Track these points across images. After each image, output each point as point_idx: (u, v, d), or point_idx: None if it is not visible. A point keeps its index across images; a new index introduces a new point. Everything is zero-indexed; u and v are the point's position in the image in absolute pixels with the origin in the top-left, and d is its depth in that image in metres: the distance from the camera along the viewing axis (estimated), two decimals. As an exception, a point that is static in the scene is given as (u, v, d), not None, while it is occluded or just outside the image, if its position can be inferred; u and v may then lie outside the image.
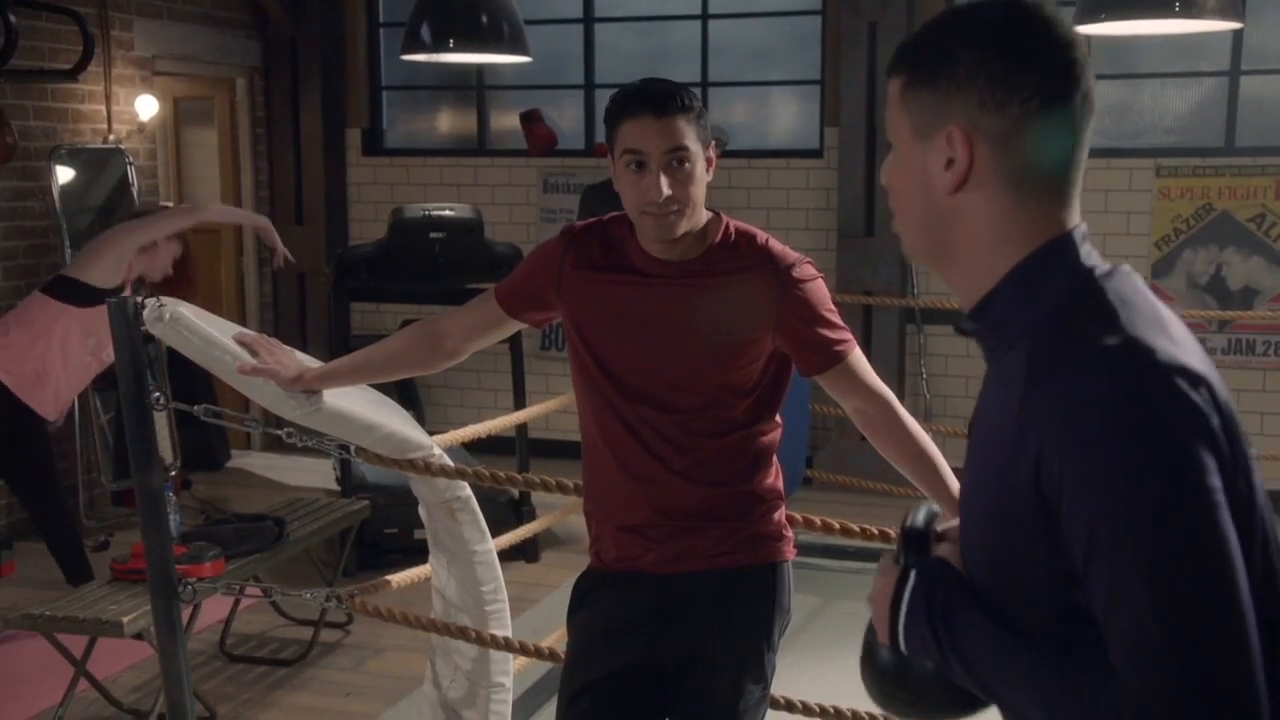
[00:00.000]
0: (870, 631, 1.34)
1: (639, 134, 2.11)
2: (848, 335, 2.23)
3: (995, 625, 1.20)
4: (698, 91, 6.89)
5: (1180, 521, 1.07)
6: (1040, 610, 1.17)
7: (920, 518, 1.31)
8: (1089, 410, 1.09)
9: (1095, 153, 5.14)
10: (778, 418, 2.30)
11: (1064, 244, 1.22)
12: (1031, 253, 1.22)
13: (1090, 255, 1.22)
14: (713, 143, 2.20)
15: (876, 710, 2.60)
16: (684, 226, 2.15)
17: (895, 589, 1.27)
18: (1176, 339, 1.16)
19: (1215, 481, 1.08)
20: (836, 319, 2.22)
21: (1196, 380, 1.11)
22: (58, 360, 4.58)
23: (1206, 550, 1.07)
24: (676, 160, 2.11)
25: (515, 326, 2.41)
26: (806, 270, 2.21)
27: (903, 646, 1.26)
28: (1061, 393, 1.12)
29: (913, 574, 1.26)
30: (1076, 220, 1.24)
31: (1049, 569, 1.14)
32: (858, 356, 2.23)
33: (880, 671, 1.31)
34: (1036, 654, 1.16)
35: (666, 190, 2.10)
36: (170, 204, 5.23)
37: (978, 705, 1.29)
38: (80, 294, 4.56)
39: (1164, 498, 1.07)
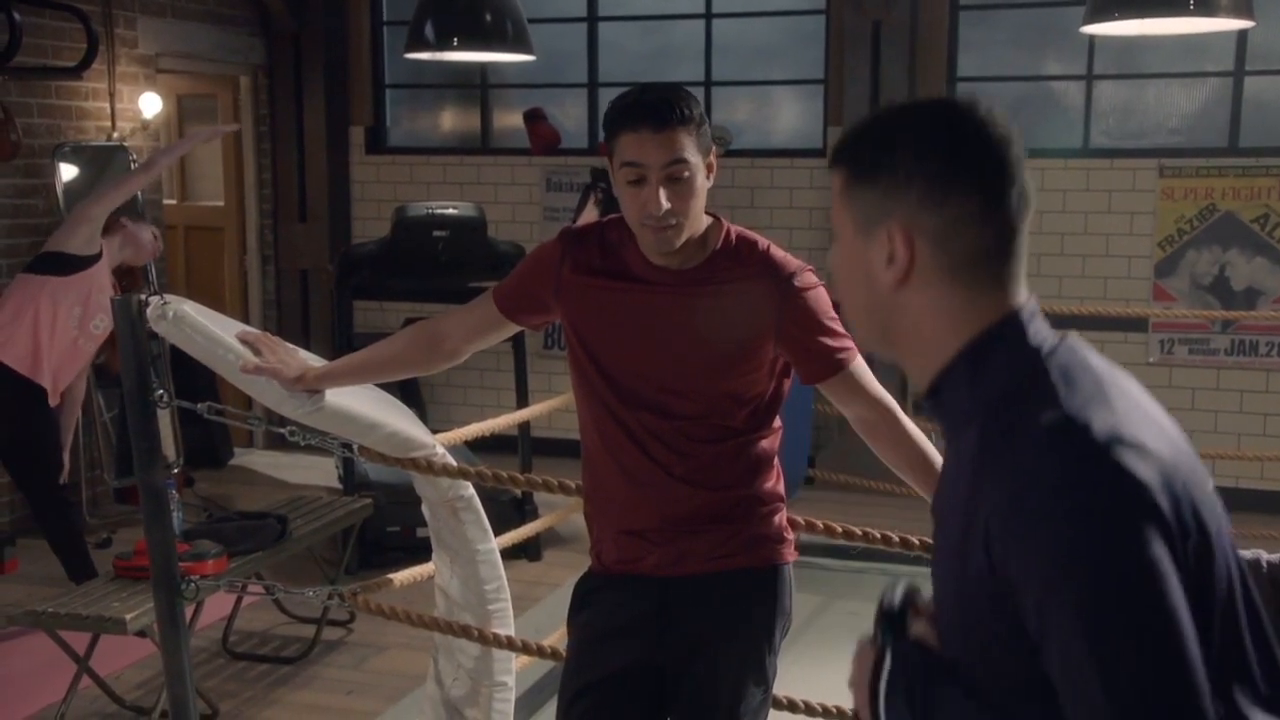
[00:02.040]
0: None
1: (638, 147, 2.09)
2: (849, 343, 2.22)
3: (970, 699, 1.21)
4: (700, 91, 6.96)
5: (1125, 598, 1.07)
6: (1011, 680, 1.18)
7: (897, 597, 1.32)
8: (1030, 492, 1.11)
9: (1099, 152, 5.17)
10: (777, 422, 2.29)
11: (1009, 325, 1.24)
12: (978, 335, 1.24)
13: (1038, 333, 1.24)
14: (713, 149, 2.18)
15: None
16: (683, 237, 2.14)
17: (873, 672, 1.28)
18: (1118, 409, 1.16)
19: (1158, 552, 1.08)
20: (838, 327, 2.20)
21: (1136, 450, 1.11)
22: (45, 334, 4.62)
23: (1153, 624, 1.07)
24: (676, 173, 2.09)
25: (515, 328, 2.40)
26: (808, 278, 2.20)
27: None
28: (1006, 475, 1.13)
29: (888, 657, 1.27)
30: (1023, 299, 1.26)
31: (1013, 643, 1.15)
32: (859, 364, 2.22)
33: None
34: None
35: (666, 204, 2.09)
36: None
37: None
38: (59, 264, 4.64)
39: (1107, 575, 1.07)
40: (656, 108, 2.09)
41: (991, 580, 1.14)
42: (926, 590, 1.33)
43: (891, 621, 1.30)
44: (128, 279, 5.41)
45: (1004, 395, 1.20)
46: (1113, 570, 1.07)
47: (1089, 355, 1.23)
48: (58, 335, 4.64)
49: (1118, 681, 1.06)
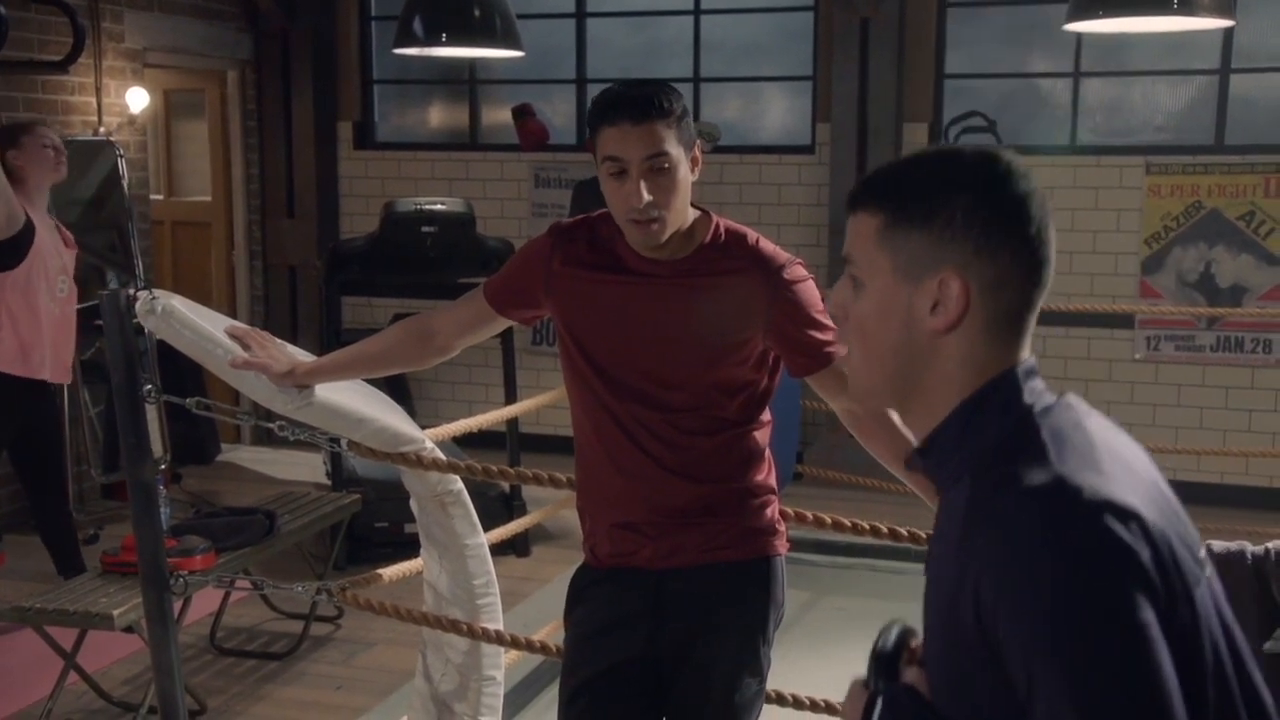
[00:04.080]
0: None
1: (618, 141, 2.10)
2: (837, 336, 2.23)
3: None
4: (689, 88, 6.97)
5: (1112, 662, 1.08)
6: None
7: (891, 640, 1.32)
8: (1019, 553, 1.11)
9: (1085, 150, 5.18)
10: (767, 415, 2.30)
11: (1006, 381, 1.25)
12: (976, 390, 1.25)
13: (1033, 391, 1.25)
14: (697, 142, 2.18)
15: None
16: (668, 232, 2.15)
17: (864, 714, 1.28)
18: (1108, 472, 1.16)
19: (1147, 617, 1.09)
20: (827, 320, 2.21)
21: (1125, 515, 1.12)
22: (28, 327, 4.49)
23: (1140, 688, 1.07)
24: (657, 166, 2.09)
25: (505, 323, 2.41)
26: (797, 271, 2.20)
27: None
28: (994, 535, 1.13)
29: (879, 702, 1.27)
30: (1024, 356, 1.27)
31: (1001, 699, 1.15)
32: None
33: None
34: None
35: (647, 196, 2.09)
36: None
37: None
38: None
39: (1094, 639, 1.08)
40: (636, 102, 2.09)
41: (981, 639, 1.14)
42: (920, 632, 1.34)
43: (884, 664, 1.30)
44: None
45: (994, 452, 1.21)
46: (1100, 635, 1.08)
47: (1083, 416, 1.24)
48: (42, 320, 4.54)
49: None
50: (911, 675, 1.29)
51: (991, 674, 1.15)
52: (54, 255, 4.58)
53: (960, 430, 1.25)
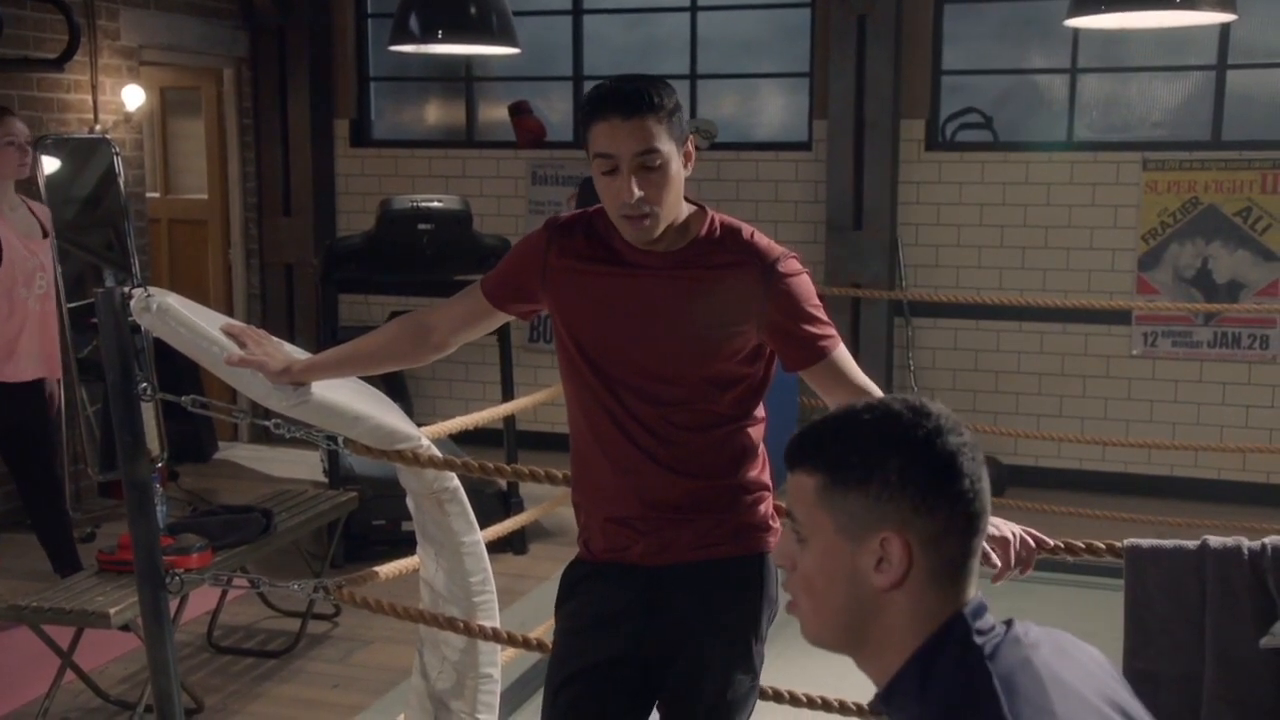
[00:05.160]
0: None
1: (609, 137, 2.09)
2: (832, 331, 2.22)
3: None
4: (686, 84, 6.96)
5: None
6: None
7: None
8: None
9: (1082, 146, 5.19)
10: (761, 411, 2.29)
11: (956, 626, 1.28)
12: (928, 638, 1.28)
13: (981, 629, 1.29)
14: (690, 137, 2.18)
15: (864, 701, 2.61)
16: (661, 227, 2.14)
17: None
18: (1059, 714, 1.21)
19: None
20: (822, 315, 2.21)
21: None
22: (15, 331, 4.46)
23: None
24: (648, 162, 2.08)
25: (503, 319, 2.41)
26: (792, 265, 2.20)
27: None
28: None
29: None
30: (970, 594, 1.31)
31: None
32: (842, 353, 2.22)
33: None
34: None
35: (638, 192, 2.09)
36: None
37: None
38: None
39: None
40: (626, 97, 2.08)
41: None
42: None
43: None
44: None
45: (950, 709, 1.24)
46: None
47: (1030, 650, 1.28)
48: (28, 323, 4.53)
49: None
50: None
51: None
52: (26, 257, 4.50)
53: (919, 683, 1.28)
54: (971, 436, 1.31)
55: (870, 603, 1.29)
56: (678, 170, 2.13)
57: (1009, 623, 1.32)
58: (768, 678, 2.43)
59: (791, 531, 1.35)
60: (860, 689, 2.90)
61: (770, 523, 2.30)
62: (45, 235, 4.59)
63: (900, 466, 1.27)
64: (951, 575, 1.29)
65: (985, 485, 1.30)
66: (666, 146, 2.10)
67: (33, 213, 4.60)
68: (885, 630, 1.30)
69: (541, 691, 2.42)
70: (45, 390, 4.74)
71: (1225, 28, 5.95)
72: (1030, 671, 1.25)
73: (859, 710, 2.61)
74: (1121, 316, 6.31)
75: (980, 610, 1.31)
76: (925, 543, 1.27)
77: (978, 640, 1.28)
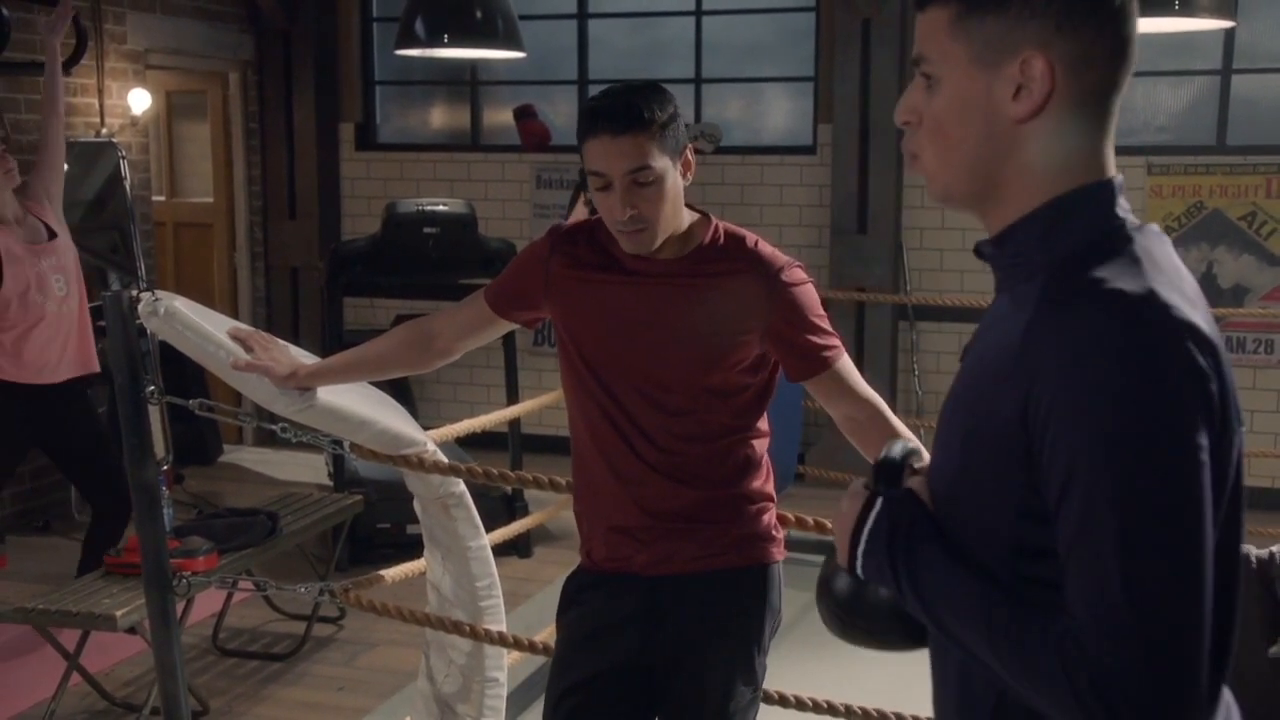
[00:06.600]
0: (829, 558, 1.35)
1: (600, 154, 2.08)
2: (836, 341, 2.21)
3: (953, 559, 1.21)
4: (690, 89, 6.96)
5: (1163, 470, 1.10)
6: (995, 548, 1.19)
7: (896, 450, 1.32)
8: (1095, 351, 1.11)
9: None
10: (765, 423, 2.28)
11: (1103, 189, 1.23)
12: (1070, 190, 1.22)
13: (1124, 207, 1.23)
14: (690, 145, 2.16)
15: (869, 705, 2.61)
16: (659, 239, 2.13)
17: (860, 514, 1.28)
18: (1194, 302, 1.17)
19: (1204, 442, 1.11)
20: (825, 325, 2.20)
21: (1205, 344, 1.13)
22: (39, 334, 4.40)
23: (1184, 504, 1.10)
24: (640, 179, 2.07)
25: (507, 326, 2.40)
26: (796, 274, 2.19)
27: (860, 572, 1.28)
28: (1069, 328, 1.13)
29: (879, 501, 1.28)
30: (1114, 170, 1.25)
31: (1012, 500, 1.17)
32: (845, 363, 2.21)
33: (835, 596, 1.34)
34: (990, 589, 1.18)
35: (630, 210, 2.08)
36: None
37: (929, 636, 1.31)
38: None
39: (1152, 445, 1.09)
40: (616, 114, 2.06)
41: (1016, 432, 1.15)
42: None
43: (888, 472, 1.30)
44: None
45: (1080, 256, 1.18)
46: (1160, 451, 1.09)
47: (1168, 245, 1.23)
48: (45, 323, 4.45)
49: (1135, 541, 1.08)
50: (915, 483, 1.29)
51: (1009, 471, 1.16)
52: (33, 262, 4.40)
53: (1046, 228, 1.22)
54: None
55: (1006, 138, 1.21)
56: (674, 182, 2.11)
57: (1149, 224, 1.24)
58: (773, 681, 2.43)
59: (920, 77, 1.26)
60: (862, 692, 2.90)
61: (774, 533, 2.29)
62: (53, 237, 4.54)
63: None
64: (1095, 110, 1.21)
65: (1134, 11, 1.21)
66: (659, 162, 2.07)
67: (37, 216, 4.56)
68: (1019, 169, 1.22)
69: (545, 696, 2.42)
70: (85, 388, 4.60)
71: (1230, 32, 5.94)
72: (1169, 257, 1.20)
73: (863, 714, 2.61)
74: (1126, 321, 6.30)
75: (1123, 189, 1.23)
76: (1069, 64, 1.18)
77: (1119, 212, 1.21)
